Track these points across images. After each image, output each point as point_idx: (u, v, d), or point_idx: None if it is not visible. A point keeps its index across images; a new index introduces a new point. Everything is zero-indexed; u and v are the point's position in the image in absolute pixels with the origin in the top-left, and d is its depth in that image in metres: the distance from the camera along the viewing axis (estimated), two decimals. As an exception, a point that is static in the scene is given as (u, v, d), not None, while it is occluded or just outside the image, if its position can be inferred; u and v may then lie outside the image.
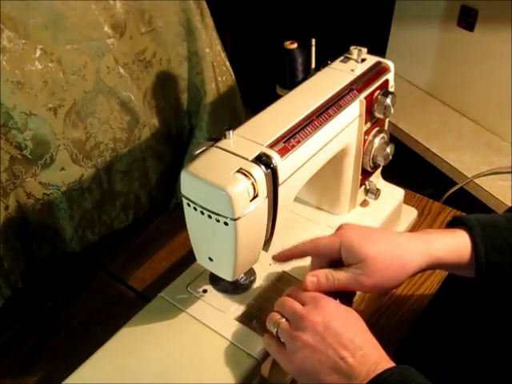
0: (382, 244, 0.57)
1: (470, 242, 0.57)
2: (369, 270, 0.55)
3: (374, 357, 0.50)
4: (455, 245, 0.57)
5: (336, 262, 0.59)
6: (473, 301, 0.69)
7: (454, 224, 0.60)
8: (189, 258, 0.64)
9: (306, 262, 0.71)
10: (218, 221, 0.52)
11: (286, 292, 0.58)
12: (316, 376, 0.51)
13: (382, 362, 0.50)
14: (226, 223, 0.52)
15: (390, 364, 0.49)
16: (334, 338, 0.50)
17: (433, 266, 0.58)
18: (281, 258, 0.62)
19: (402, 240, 0.58)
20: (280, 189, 0.56)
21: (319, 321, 0.52)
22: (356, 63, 0.72)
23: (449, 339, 0.73)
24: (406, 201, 0.86)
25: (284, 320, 0.54)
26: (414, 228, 0.88)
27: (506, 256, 0.56)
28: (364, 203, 0.80)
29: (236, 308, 0.64)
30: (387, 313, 0.74)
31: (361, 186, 0.77)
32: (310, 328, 0.51)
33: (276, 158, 0.55)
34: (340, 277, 0.56)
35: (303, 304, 0.55)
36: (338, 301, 0.55)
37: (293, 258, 0.62)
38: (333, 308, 0.53)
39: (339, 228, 0.60)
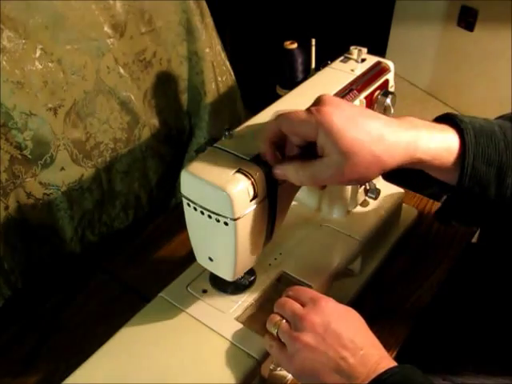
0: (366, 135, 0.48)
1: (459, 147, 0.51)
2: (346, 167, 0.48)
3: (375, 356, 0.50)
4: (442, 147, 0.51)
5: (306, 147, 0.51)
6: (473, 300, 0.69)
7: (445, 120, 0.53)
8: (189, 258, 0.64)
9: (307, 262, 0.71)
10: (218, 221, 0.52)
11: (285, 292, 0.58)
12: (317, 377, 0.51)
13: (383, 361, 0.50)
14: (225, 223, 0.52)
15: (392, 363, 0.49)
16: (334, 338, 0.50)
17: (412, 165, 0.51)
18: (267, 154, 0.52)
19: (388, 131, 0.49)
20: (280, 189, 0.56)
21: (319, 321, 0.52)
22: (356, 63, 0.72)
23: (449, 339, 0.73)
24: (406, 201, 0.86)
25: (284, 321, 0.54)
26: (414, 228, 0.88)
27: (493, 169, 0.50)
28: (364, 203, 0.80)
29: (236, 308, 0.64)
30: (387, 313, 0.74)
31: (361, 186, 0.77)
32: (310, 329, 0.51)
33: (276, 158, 0.55)
34: (312, 172, 0.50)
35: (303, 305, 0.55)
36: (333, 300, 0.55)
37: (271, 144, 0.52)
38: (332, 308, 0.53)
39: (319, 102, 0.50)
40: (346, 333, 0.51)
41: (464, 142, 0.50)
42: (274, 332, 0.55)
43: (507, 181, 0.51)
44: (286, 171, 0.51)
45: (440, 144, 0.51)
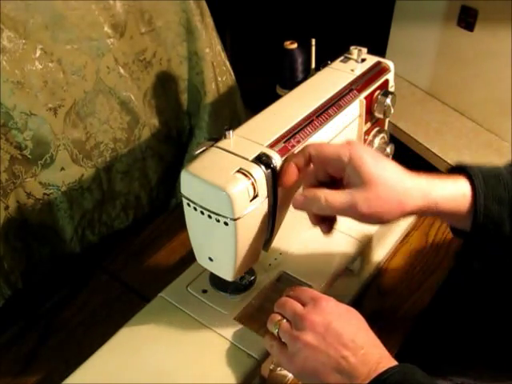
0: (390, 173, 0.52)
1: (471, 190, 0.54)
2: (370, 195, 0.51)
3: (376, 356, 0.50)
4: (455, 192, 0.54)
5: (331, 182, 0.55)
6: (473, 300, 0.69)
7: (455, 171, 0.57)
8: (189, 258, 0.64)
9: (307, 262, 0.71)
10: (218, 221, 0.52)
11: (285, 292, 0.58)
12: (318, 376, 0.51)
13: (384, 360, 0.49)
14: (225, 223, 0.52)
15: (392, 363, 0.49)
16: (334, 337, 0.50)
17: (430, 210, 0.54)
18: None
19: (406, 176, 0.53)
20: (280, 189, 0.56)
21: (320, 321, 0.52)
22: (356, 63, 0.72)
23: (449, 339, 0.73)
24: (406, 201, 0.86)
25: (285, 321, 0.54)
26: (414, 228, 0.88)
27: (505, 208, 0.53)
28: (364, 203, 0.80)
29: (236, 308, 0.64)
30: (387, 313, 0.74)
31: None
32: (311, 328, 0.51)
33: (276, 158, 0.55)
34: (335, 199, 0.52)
35: (303, 304, 0.55)
36: (334, 299, 0.55)
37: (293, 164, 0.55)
38: (333, 308, 0.53)
39: (348, 143, 0.54)
40: (347, 332, 0.51)
41: (474, 186, 0.54)
42: (275, 331, 0.55)
43: None
44: (315, 194, 0.53)
45: (453, 190, 0.54)
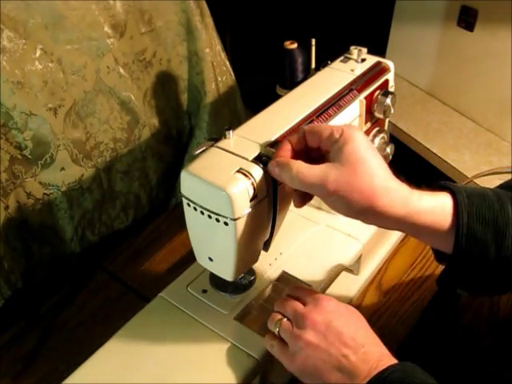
0: (374, 165, 0.48)
1: (453, 206, 0.49)
2: (344, 174, 0.47)
3: (376, 354, 0.50)
4: (436, 204, 0.49)
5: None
6: (473, 300, 0.69)
7: (439, 189, 0.52)
8: (189, 258, 0.64)
9: (307, 262, 0.71)
10: (218, 221, 0.52)
11: (285, 292, 0.58)
12: (319, 375, 0.51)
13: (384, 359, 0.50)
14: (225, 223, 0.52)
15: (393, 361, 0.50)
16: (335, 336, 0.51)
17: (409, 220, 0.48)
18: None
19: (390, 177, 0.49)
20: (280, 189, 0.56)
21: (320, 320, 0.52)
22: (356, 63, 0.72)
23: (449, 339, 0.73)
24: (406, 201, 0.86)
25: (285, 320, 0.55)
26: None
27: (489, 229, 0.48)
28: (364, 203, 0.80)
29: (236, 308, 0.64)
30: (387, 313, 0.74)
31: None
32: (312, 327, 0.52)
33: (276, 158, 0.55)
34: (307, 174, 0.48)
35: (304, 304, 0.55)
36: (334, 299, 0.55)
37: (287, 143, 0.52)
38: (333, 307, 0.53)
39: (346, 125, 0.51)
40: (348, 331, 0.51)
41: (457, 202, 0.49)
42: (276, 331, 0.55)
43: (506, 242, 0.48)
44: (288, 163, 0.50)
45: (433, 200, 0.49)
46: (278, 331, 0.55)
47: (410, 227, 0.49)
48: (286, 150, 0.52)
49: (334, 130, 0.50)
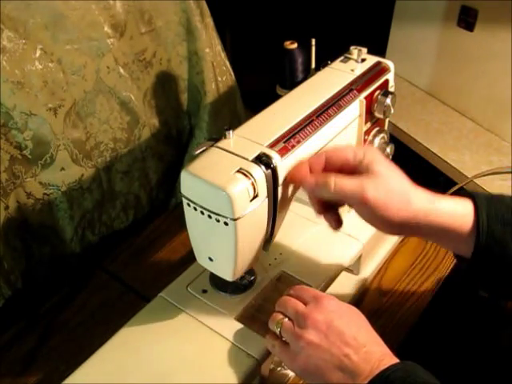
0: (398, 175, 0.55)
1: (474, 210, 0.53)
2: (378, 183, 0.53)
3: (378, 353, 0.50)
4: (458, 208, 0.54)
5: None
6: (472, 301, 0.69)
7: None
8: (189, 258, 0.64)
9: (307, 262, 0.71)
10: (218, 221, 0.52)
11: (286, 291, 0.58)
12: (321, 374, 0.51)
13: (386, 358, 0.50)
14: (226, 223, 0.52)
15: (394, 360, 0.50)
16: (337, 335, 0.51)
17: (433, 221, 0.53)
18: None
19: (412, 184, 0.55)
20: (280, 189, 0.56)
21: (322, 319, 0.52)
22: (356, 63, 0.72)
23: (449, 339, 0.73)
24: (406, 201, 0.86)
25: (287, 319, 0.55)
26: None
27: (509, 229, 0.52)
28: (364, 203, 0.80)
29: (236, 308, 0.64)
30: (387, 313, 0.74)
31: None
32: (313, 327, 0.52)
33: (276, 158, 0.55)
34: (344, 183, 0.53)
35: (305, 303, 0.55)
36: (335, 298, 0.55)
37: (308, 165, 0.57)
38: (335, 306, 0.53)
39: (365, 148, 0.58)
40: (349, 330, 0.51)
41: (477, 205, 0.53)
42: (277, 330, 0.55)
43: None
44: (326, 177, 0.54)
45: (455, 204, 0.54)
46: (280, 331, 0.55)
47: (433, 227, 0.54)
48: (304, 171, 0.56)
49: (356, 151, 0.55)
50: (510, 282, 0.54)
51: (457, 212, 0.54)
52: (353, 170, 0.55)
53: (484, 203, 0.53)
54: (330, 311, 0.53)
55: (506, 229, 0.52)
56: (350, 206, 0.55)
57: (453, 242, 0.55)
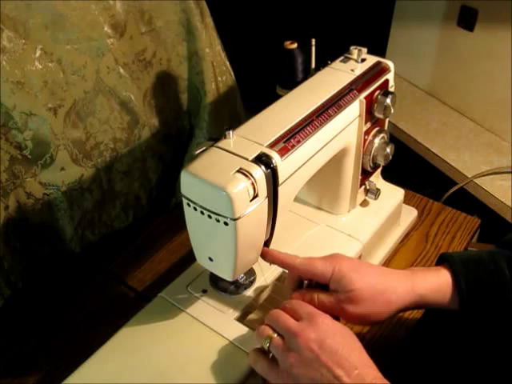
0: (371, 277, 0.57)
1: (452, 278, 0.58)
2: (354, 299, 0.56)
3: (370, 376, 0.49)
4: (438, 283, 0.58)
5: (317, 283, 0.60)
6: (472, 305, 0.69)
7: (439, 261, 0.62)
8: (189, 258, 0.64)
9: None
10: (218, 221, 0.52)
11: (283, 304, 0.56)
12: None
13: (377, 381, 0.49)
14: (225, 223, 0.52)
15: (385, 383, 0.48)
16: (328, 356, 0.49)
17: (417, 304, 0.58)
18: (268, 256, 0.60)
19: (390, 277, 0.59)
20: (280, 189, 0.56)
21: (314, 338, 0.50)
22: (356, 63, 0.72)
23: (448, 342, 0.73)
24: (406, 201, 0.86)
25: (276, 335, 0.53)
26: (414, 228, 0.88)
27: (488, 290, 0.57)
28: (364, 203, 0.80)
29: (236, 308, 0.64)
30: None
31: (361, 186, 0.77)
32: (305, 346, 0.50)
33: (276, 158, 0.55)
34: (325, 300, 0.57)
35: (298, 319, 0.53)
36: (330, 316, 0.53)
37: (279, 265, 0.60)
38: (328, 325, 0.52)
39: (332, 256, 0.60)
40: (341, 351, 0.49)
41: (455, 275, 0.58)
42: (266, 346, 0.53)
43: (506, 295, 0.56)
44: (312, 295, 0.58)
45: (435, 280, 0.58)
46: (268, 346, 0.53)
47: (419, 307, 0.59)
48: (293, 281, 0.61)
49: (323, 268, 0.57)
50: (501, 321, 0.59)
51: (438, 290, 0.58)
52: (329, 285, 0.58)
53: (461, 271, 0.58)
54: (323, 330, 0.51)
55: (485, 290, 0.57)
56: None
57: (438, 307, 0.60)
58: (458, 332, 0.73)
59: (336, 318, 0.56)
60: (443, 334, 0.74)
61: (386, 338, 0.69)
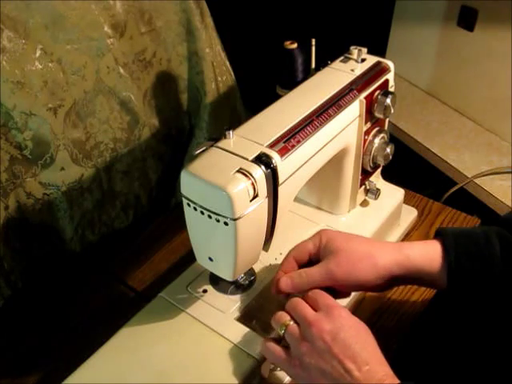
0: (356, 241, 0.59)
1: (442, 249, 0.58)
2: (339, 260, 0.57)
3: (380, 373, 0.49)
4: (426, 249, 0.58)
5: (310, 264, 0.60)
6: (472, 302, 0.69)
7: (436, 236, 0.62)
8: (189, 258, 0.64)
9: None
10: (218, 221, 0.52)
11: (306, 293, 0.57)
12: None
13: (388, 379, 0.48)
14: (226, 223, 0.52)
15: (395, 381, 0.48)
16: (341, 348, 0.49)
17: (407, 268, 0.58)
18: (286, 287, 0.60)
19: (376, 243, 0.60)
20: (280, 189, 0.56)
21: (328, 329, 0.50)
22: (356, 63, 0.72)
23: (448, 340, 0.73)
24: (406, 201, 0.86)
25: (292, 323, 0.54)
26: (414, 228, 0.88)
27: (477, 263, 0.56)
28: (364, 203, 0.80)
29: (236, 308, 0.64)
30: (387, 313, 0.74)
31: (361, 186, 0.77)
32: (318, 336, 0.50)
33: (276, 158, 0.55)
34: (312, 272, 0.58)
35: (316, 309, 0.54)
36: (348, 310, 0.54)
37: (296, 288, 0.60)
38: (344, 318, 0.52)
39: (319, 231, 0.62)
40: (354, 345, 0.50)
41: (445, 247, 0.58)
42: (281, 332, 0.54)
43: (494, 269, 0.56)
44: (298, 272, 0.59)
45: (423, 246, 0.59)
46: (283, 333, 0.53)
47: (406, 272, 0.58)
48: (284, 271, 0.61)
49: (313, 240, 0.60)
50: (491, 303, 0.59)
51: (426, 254, 0.58)
52: (319, 257, 0.59)
53: (451, 242, 0.57)
54: (338, 322, 0.51)
55: (474, 263, 0.56)
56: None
57: (428, 282, 0.60)
58: (461, 326, 0.73)
59: (331, 293, 0.57)
60: (446, 328, 0.74)
61: (389, 331, 0.69)
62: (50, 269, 0.83)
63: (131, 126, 0.87)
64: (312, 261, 0.60)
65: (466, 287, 0.57)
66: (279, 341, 0.55)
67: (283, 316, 0.55)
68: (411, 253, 0.58)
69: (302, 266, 0.61)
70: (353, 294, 0.75)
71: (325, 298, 0.55)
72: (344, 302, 0.66)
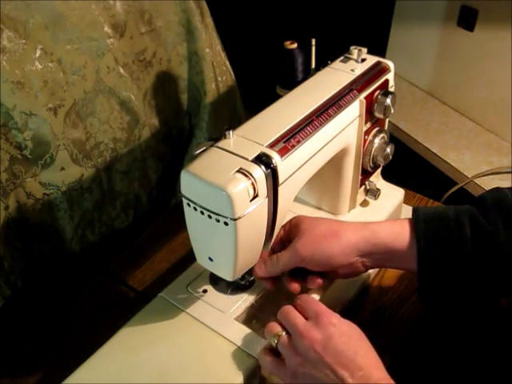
0: (322, 221, 0.61)
1: (411, 231, 0.58)
2: (304, 239, 0.58)
3: (375, 377, 0.48)
4: (392, 226, 0.59)
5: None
6: (472, 302, 0.69)
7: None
8: (189, 258, 0.64)
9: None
10: (218, 221, 0.52)
11: (294, 300, 0.57)
12: None
13: (382, 382, 0.48)
14: (226, 223, 0.52)
15: None
16: (332, 357, 0.49)
17: (373, 244, 0.58)
18: (261, 272, 0.63)
19: (343, 222, 0.61)
20: (280, 189, 0.56)
21: (319, 339, 0.50)
22: (356, 63, 0.72)
23: (449, 339, 0.73)
24: (406, 201, 0.86)
25: (284, 334, 0.54)
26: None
27: (447, 249, 0.56)
28: (364, 203, 0.80)
29: (236, 308, 0.64)
30: (387, 313, 0.74)
31: (361, 186, 0.77)
32: (309, 347, 0.50)
33: (276, 158, 0.55)
34: (282, 254, 0.60)
35: (306, 317, 0.53)
36: (338, 315, 0.53)
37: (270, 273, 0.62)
38: (334, 326, 0.52)
39: (290, 220, 0.64)
40: (346, 351, 0.49)
41: (415, 230, 0.57)
42: (274, 343, 0.54)
43: (465, 253, 0.55)
44: (270, 258, 0.62)
45: (389, 222, 0.60)
46: (276, 344, 0.54)
47: (378, 249, 0.58)
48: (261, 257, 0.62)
49: (283, 225, 0.63)
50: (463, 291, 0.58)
51: (395, 232, 0.58)
52: (291, 241, 0.61)
53: (422, 228, 0.57)
54: (328, 330, 0.51)
55: (444, 251, 0.56)
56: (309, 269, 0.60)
57: (397, 261, 0.59)
58: (457, 333, 0.73)
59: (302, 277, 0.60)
60: (442, 335, 0.74)
61: (389, 331, 0.69)
62: (49, 269, 0.83)
63: (131, 126, 0.87)
64: (285, 246, 0.62)
65: (435, 272, 0.57)
66: (275, 349, 0.55)
67: (275, 327, 0.55)
68: (378, 229, 0.58)
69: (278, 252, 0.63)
70: (352, 293, 0.75)
71: (313, 304, 0.55)
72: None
